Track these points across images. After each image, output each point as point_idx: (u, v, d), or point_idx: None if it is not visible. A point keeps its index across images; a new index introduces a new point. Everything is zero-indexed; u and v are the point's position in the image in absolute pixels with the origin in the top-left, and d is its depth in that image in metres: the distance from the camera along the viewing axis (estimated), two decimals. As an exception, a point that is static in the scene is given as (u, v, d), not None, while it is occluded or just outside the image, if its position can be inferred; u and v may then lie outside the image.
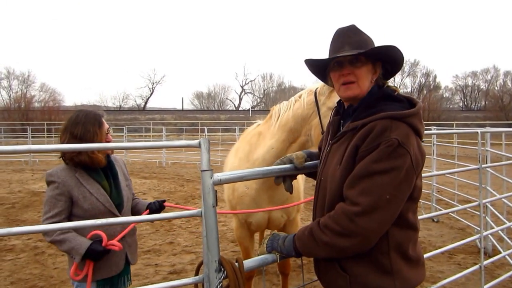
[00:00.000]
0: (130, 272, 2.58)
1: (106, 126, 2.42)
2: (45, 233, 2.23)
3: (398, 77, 55.95)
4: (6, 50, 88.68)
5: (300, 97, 2.90)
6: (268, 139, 3.02)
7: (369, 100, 1.65)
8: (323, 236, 1.54)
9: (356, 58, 1.64)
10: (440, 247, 5.35)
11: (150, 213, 2.53)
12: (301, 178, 3.57)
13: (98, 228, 2.28)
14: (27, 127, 19.03)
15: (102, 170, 2.42)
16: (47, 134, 21.62)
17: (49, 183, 2.29)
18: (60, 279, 4.74)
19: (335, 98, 2.65)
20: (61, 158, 2.38)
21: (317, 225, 1.59)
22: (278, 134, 2.93)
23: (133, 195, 2.70)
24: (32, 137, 19.29)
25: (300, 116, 2.81)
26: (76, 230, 2.25)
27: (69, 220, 2.30)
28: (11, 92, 46.48)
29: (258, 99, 65.28)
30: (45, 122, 23.77)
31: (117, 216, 2.38)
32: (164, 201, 2.62)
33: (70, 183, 2.28)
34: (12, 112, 37.54)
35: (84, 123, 2.33)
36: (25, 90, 45.63)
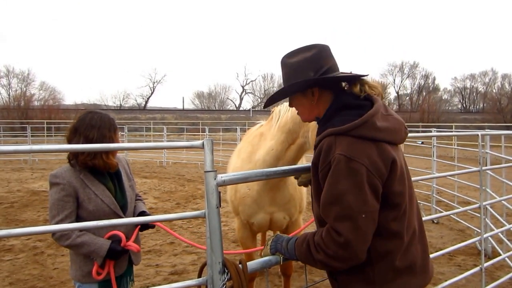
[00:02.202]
0: (133, 273, 2.57)
1: (118, 130, 2.40)
2: (59, 237, 2.17)
3: (397, 78, 56.07)
4: (5, 48, 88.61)
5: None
6: (269, 140, 3.04)
7: (327, 114, 1.68)
8: (318, 255, 1.56)
9: None
10: (441, 249, 5.37)
11: (141, 229, 2.47)
12: None
13: (101, 232, 2.27)
14: (27, 125, 18.99)
15: (107, 171, 2.38)
16: (47, 133, 21.58)
17: (53, 184, 2.23)
18: (59, 280, 4.73)
19: None
20: (67, 160, 2.32)
21: (313, 242, 1.59)
22: (278, 135, 2.94)
23: (137, 195, 2.67)
24: (32, 136, 19.23)
25: (298, 117, 2.81)
26: (90, 231, 2.23)
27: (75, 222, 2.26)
28: (10, 91, 46.38)
29: (259, 99, 65.22)
30: (45, 120, 23.74)
31: (121, 218, 2.36)
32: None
33: (75, 184, 2.24)
34: (11, 110, 37.42)
35: (100, 127, 2.27)
36: (24, 89, 45.54)
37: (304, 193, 3.44)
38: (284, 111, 2.95)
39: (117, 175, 2.45)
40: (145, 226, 2.49)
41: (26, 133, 18.11)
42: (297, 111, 1.84)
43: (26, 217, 7.70)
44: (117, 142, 2.38)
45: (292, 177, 3.21)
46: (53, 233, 2.19)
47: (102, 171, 2.33)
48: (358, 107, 1.62)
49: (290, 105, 1.85)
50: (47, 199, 7.12)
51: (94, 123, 2.28)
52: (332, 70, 1.67)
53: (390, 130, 1.58)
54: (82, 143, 2.22)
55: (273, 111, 3.13)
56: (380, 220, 1.53)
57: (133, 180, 2.62)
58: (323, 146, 1.55)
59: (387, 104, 1.72)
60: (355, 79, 1.68)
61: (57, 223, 2.17)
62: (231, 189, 3.43)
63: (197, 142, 1.72)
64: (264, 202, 3.18)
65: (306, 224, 2.91)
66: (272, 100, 1.83)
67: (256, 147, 3.19)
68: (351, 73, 1.72)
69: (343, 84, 1.73)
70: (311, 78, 1.63)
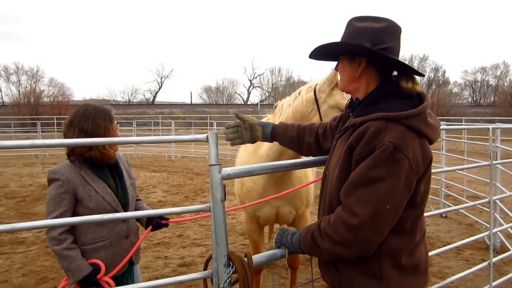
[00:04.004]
0: (133, 272, 2.53)
1: (115, 121, 2.35)
2: (51, 239, 2.12)
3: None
4: (14, 46, 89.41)
5: (299, 93, 2.85)
6: None
7: (372, 96, 1.59)
8: (324, 243, 1.54)
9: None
10: (448, 243, 5.34)
11: (152, 229, 2.43)
12: (310, 171, 3.57)
13: (103, 231, 2.23)
14: (37, 121, 19.19)
15: (108, 168, 2.34)
16: (57, 129, 21.83)
17: (52, 180, 2.18)
18: (70, 271, 4.81)
19: (337, 96, 2.58)
20: (66, 155, 2.28)
21: (318, 230, 1.57)
22: None
23: (137, 195, 2.62)
24: (42, 131, 19.47)
25: (300, 113, 2.77)
26: (90, 228, 2.22)
27: None
28: (20, 87, 46.73)
29: (267, 93, 65.00)
30: (55, 116, 23.97)
31: (122, 217, 2.30)
32: (166, 218, 2.52)
33: (75, 181, 2.18)
34: (22, 107, 37.71)
35: (94, 117, 2.23)
36: (34, 85, 45.78)
37: (310, 187, 3.44)
38: (286, 106, 2.92)
39: (118, 172, 2.41)
40: (157, 226, 2.45)
41: (37, 128, 18.32)
42: (339, 77, 1.74)
43: (38, 210, 7.83)
44: (114, 132, 2.32)
45: (297, 171, 3.21)
46: (47, 231, 2.14)
47: (101, 164, 2.28)
48: (409, 97, 1.54)
49: (336, 68, 1.73)
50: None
51: (88, 114, 2.24)
52: (391, 52, 1.54)
53: (434, 128, 1.54)
54: (78, 135, 2.18)
55: (276, 105, 3.12)
56: (400, 217, 1.49)
57: (134, 178, 2.57)
58: (368, 128, 1.46)
59: None
60: (409, 73, 1.58)
61: (52, 219, 2.11)
62: (238, 183, 3.45)
63: (202, 136, 1.71)
64: (270, 196, 3.19)
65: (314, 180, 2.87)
66: (318, 50, 1.67)
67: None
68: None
69: (393, 73, 1.63)
70: (365, 46, 1.52)
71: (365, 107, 1.59)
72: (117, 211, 2.29)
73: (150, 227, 2.42)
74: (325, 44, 1.63)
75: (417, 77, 1.62)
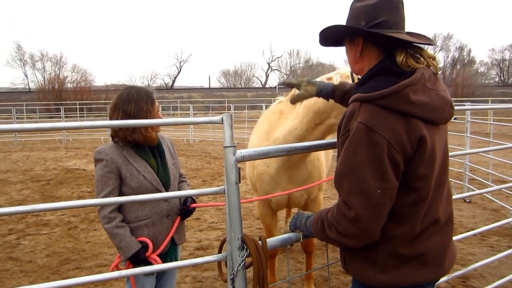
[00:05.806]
0: (177, 252, 2.57)
1: (157, 103, 2.40)
2: (102, 218, 2.24)
3: (430, 51, 53.70)
4: (39, 33, 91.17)
5: (330, 79, 2.66)
6: (291, 119, 2.87)
7: (365, 76, 1.54)
8: (330, 233, 1.50)
9: None
10: (472, 229, 5.19)
11: (182, 218, 2.47)
12: (324, 155, 3.46)
13: (145, 209, 2.31)
14: (61, 107, 19.67)
15: (150, 148, 2.41)
16: (79, 114, 22.32)
17: (97, 161, 2.28)
18: (92, 253, 4.93)
19: None
20: (111, 138, 2.38)
21: (326, 219, 1.53)
22: (303, 114, 2.72)
23: (181, 175, 2.67)
24: (66, 116, 19.92)
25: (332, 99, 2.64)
26: (125, 210, 2.30)
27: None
28: (45, 74, 47.82)
29: (285, 76, 64.48)
30: (77, 102, 24.48)
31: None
32: (190, 203, 2.50)
33: (118, 161, 2.27)
34: (46, 92, 38.63)
35: (137, 100, 2.29)
36: (58, 72, 46.73)
37: (323, 170, 3.34)
38: None
39: (159, 151, 2.47)
40: (186, 215, 2.48)
41: (60, 114, 18.79)
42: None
43: (61, 193, 8.05)
44: (156, 114, 2.38)
45: (311, 155, 3.11)
46: (99, 210, 2.26)
47: (143, 145, 2.36)
48: (398, 74, 1.44)
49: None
50: (81, 176, 7.37)
51: (131, 97, 2.31)
52: (388, 25, 1.46)
53: (427, 106, 1.42)
54: (121, 118, 2.27)
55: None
56: (395, 201, 1.42)
57: (176, 158, 2.62)
58: (347, 111, 1.45)
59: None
60: (403, 45, 1.47)
61: (102, 198, 2.23)
62: (250, 166, 3.39)
63: (217, 118, 1.71)
64: (282, 180, 3.12)
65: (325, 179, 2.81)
66: (321, 38, 1.66)
67: (275, 124, 3.08)
68: (404, 33, 1.51)
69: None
70: (355, 27, 1.50)
71: (357, 87, 1.54)
72: (158, 190, 2.37)
73: (179, 218, 2.45)
74: (323, 30, 1.63)
75: (427, 49, 1.55)
